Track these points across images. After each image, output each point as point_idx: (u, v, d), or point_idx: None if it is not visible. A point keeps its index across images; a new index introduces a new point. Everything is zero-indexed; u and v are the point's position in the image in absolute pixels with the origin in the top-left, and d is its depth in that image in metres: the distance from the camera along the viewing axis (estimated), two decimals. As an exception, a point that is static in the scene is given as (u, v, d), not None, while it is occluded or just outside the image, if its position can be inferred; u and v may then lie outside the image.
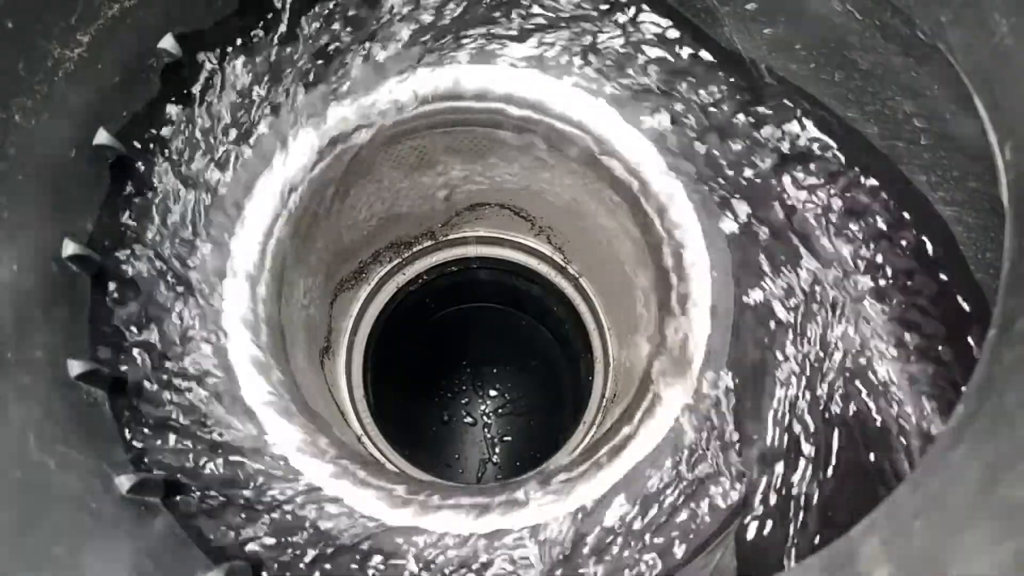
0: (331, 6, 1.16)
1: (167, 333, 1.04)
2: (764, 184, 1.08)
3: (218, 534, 0.97)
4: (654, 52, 1.14)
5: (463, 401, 2.30)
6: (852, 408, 1.00)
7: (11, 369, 0.88)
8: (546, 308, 1.82)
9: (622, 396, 1.46)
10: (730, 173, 1.09)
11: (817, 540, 0.95)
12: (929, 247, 1.04)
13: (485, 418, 2.29)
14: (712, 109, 1.12)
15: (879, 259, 1.04)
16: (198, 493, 0.98)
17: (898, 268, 1.04)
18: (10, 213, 0.92)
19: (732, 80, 1.12)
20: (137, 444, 1.00)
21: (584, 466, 1.01)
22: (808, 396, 1.01)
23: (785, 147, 1.09)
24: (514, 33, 1.15)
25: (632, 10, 1.15)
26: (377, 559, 0.97)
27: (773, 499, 0.97)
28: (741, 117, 1.11)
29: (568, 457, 1.08)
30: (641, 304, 1.29)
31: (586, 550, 0.97)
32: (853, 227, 1.06)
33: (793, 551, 0.95)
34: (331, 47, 1.15)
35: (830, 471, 0.98)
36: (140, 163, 1.08)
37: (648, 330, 1.17)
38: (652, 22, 1.15)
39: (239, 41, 1.14)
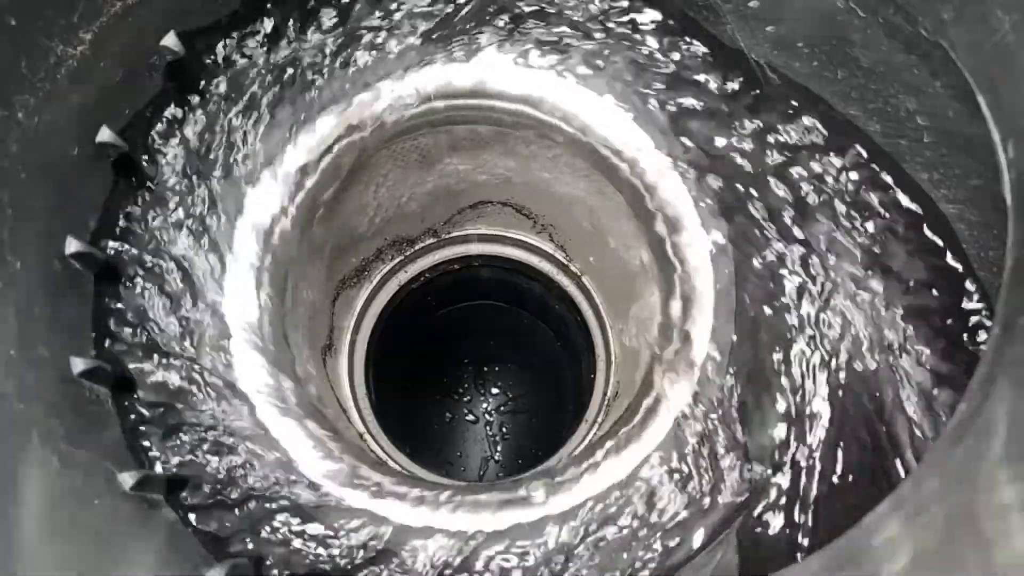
0: (334, 3, 1.16)
1: (170, 330, 1.04)
2: (767, 182, 1.08)
3: (220, 531, 0.97)
4: (658, 51, 1.14)
5: (465, 399, 2.30)
6: (854, 406, 1.00)
7: (14, 366, 0.89)
8: (548, 306, 1.82)
9: (624, 394, 1.46)
10: (733, 171, 1.09)
11: (819, 537, 0.95)
12: (931, 245, 1.04)
13: (487, 416, 2.30)
14: (716, 108, 1.11)
15: (881, 257, 1.04)
16: (200, 490, 0.99)
17: (900, 266, 1.04)
18: (13, 210, 0.92)
19: (735, 78, 1.12)
20: (140, 441, 1.00)
21: (586, 464, 1.01)
22: (810, 393, 1.01)
23: (788, 145, 1.09)
24: (516, 30, 1.15)
25: (634, 7, 1.15)
26: (374, 556, 0.97)
27: (775, 496, 0.97)
28: (744, 115, 1.11)
29: (570, 455, 1.08)
30: (643, 301, 1.29)
31: (587, 547, 0.97)
32: (855, 225, 1.06)
33: (795, 548, 0.95)
34: (334, 44, 1.15)
35: (832, 468, 0.98)
36: (143, 160, 1.09)
37: (650, 327, 1.17)
38: (655, 20, 1.15)
39: (241, 38, 1.14)
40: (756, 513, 0.97)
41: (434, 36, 1.16)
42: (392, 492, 1.00)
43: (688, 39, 1.14)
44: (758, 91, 1.11)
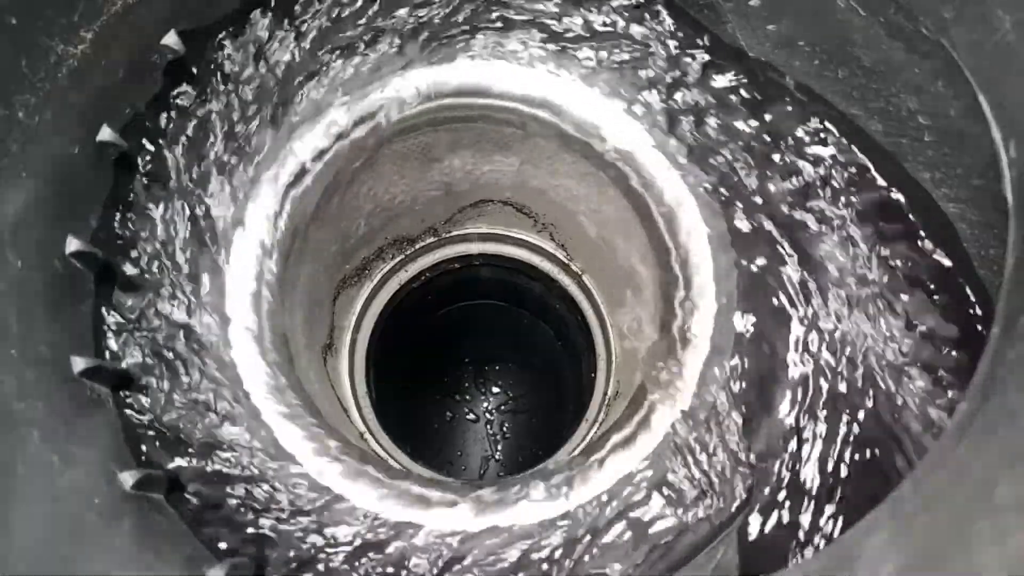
0: (335, 2, 1.16)
1: (171, 330, 1.04)
2: (768, 182, 1.08)
3: (221, 530, 0.97)
4: (659, 50, 1.14)
5: (466, 398, 2.30)
6: (854, 405, 0.99)
7: (15, 365, 0.89)
8: (549, 305, 1.82)
9: (624, 393, 1.46)
10: (734, 171, 1.09)
11: (820, 537, 0.95)
12: (932, 244, 1.04)
13: (488, 415, 2.30)
14: (716, 106, 1.11)
15: (882, 256, 1.04)
16: (201, 489, 0.99)
17: (901, 265, 1.04)
18: (14, 210, 0.92)
19: (735, 77, 1.12)
20: (141, 440, 1.00)
21: (586, 463, 1.01)
22: (811, 393, 1.01)
23: (788, 143, 1.09)
24: (516, 31, 1.15)
25: (636, 6, 1.15)
26: (376, 554, 0.97)
27: (776, 496, 0.97)
28: (744, 114, 1.11)
29: (570, 454, 1.08)
30: (644, 300, 1.29)
31: (587, 546, 0.97)
32: (856, 224, 1.06)
33: (796, 548, 0.95)
34: (335, 42, 1.15)
35: (833, 468, 0.98)
36: (143, 160, 1.09)
37: (651, 327, 1.17)
38: (656, 18, 1.15)
39: (242, 37, 1.14)
40: (756, 513, 0.97)
41: (435, 35, 1.15)
42: (391, 488, 1.00)
43: (688, 38, 1.14)
44: (759, 90, 1.11)
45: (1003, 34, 0.86)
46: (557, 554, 0.96)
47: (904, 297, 1.02)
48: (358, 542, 0.97)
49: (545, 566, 0.96)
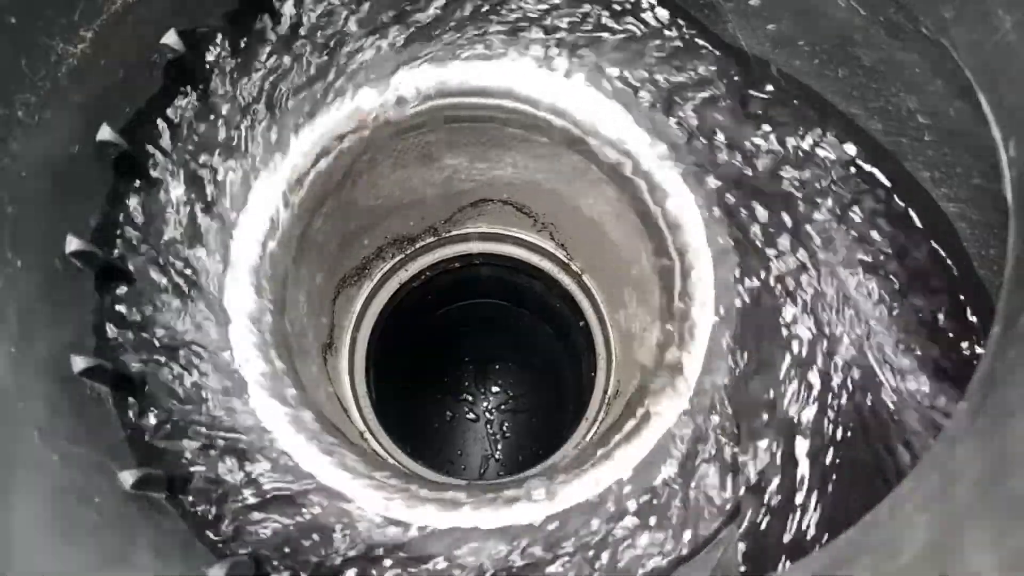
0: (334, 1, 1.16)
1: (170, 329, 1.04)
2: (767, 181, 1.08)
3: (221, 529, 0.97)
4: (658, 49, 1.14)
5: (466, 397, 2.30)
6: (855, 404, 1.00)
7: (15, 365, 0.89)
8: (548, 304, 1.82)
9: (624, 392, 1.46)
10: (734, 170, 1.09)
11: (820, 535, 0.95)
12: (932, 244, 1.04)
13: (488, 415, 2.30)
14: (716, 106, 1.11)
15: (882, 256, 1.04)
16: (201, 489, 0.99)
17: (901, 265, 1.04)
18: (14, 209, 0.92)
19: (735, 76, 1.12)
20: (141, 440, 1.00)
21: (586, 462, 1.01)
22: (810, 392, 1.01)
23: (788, 144, 1.09)
24: (516, 28, 1.15)
25: (637, 6, 1.15)
26: (375, 553, 0.97)
27: (776, 495, 0.97)
28: (745, 113, 1.11)
29: (570, 453, 1.08)
30: (644, 300, 1.29)
31: (588, 546, 0.97)
32: (855, 225, 1.06)
33: (796, 548, 0.95)
34: (335, 42, 1.15)
35: (833, 467, 0.98)
36: (143, 159, 1.08)
37: (651, 326, 1.17)
38: (656, 18, 1.15)
39: (242, 36, 1.14)
40: (757, 513, 0.97)
41: (436, 35, 1.15)
42: (390, 487, 1.00)
43: (689, 37, 1.14)
44: (758, 89, 1.11)
45: (1003, 34, 0.86)
46: (556, 551, 0.96)
47: (903, 296, 1.02)
48: (354, 541, 0.97)
49: (543, 564, 0.96)
